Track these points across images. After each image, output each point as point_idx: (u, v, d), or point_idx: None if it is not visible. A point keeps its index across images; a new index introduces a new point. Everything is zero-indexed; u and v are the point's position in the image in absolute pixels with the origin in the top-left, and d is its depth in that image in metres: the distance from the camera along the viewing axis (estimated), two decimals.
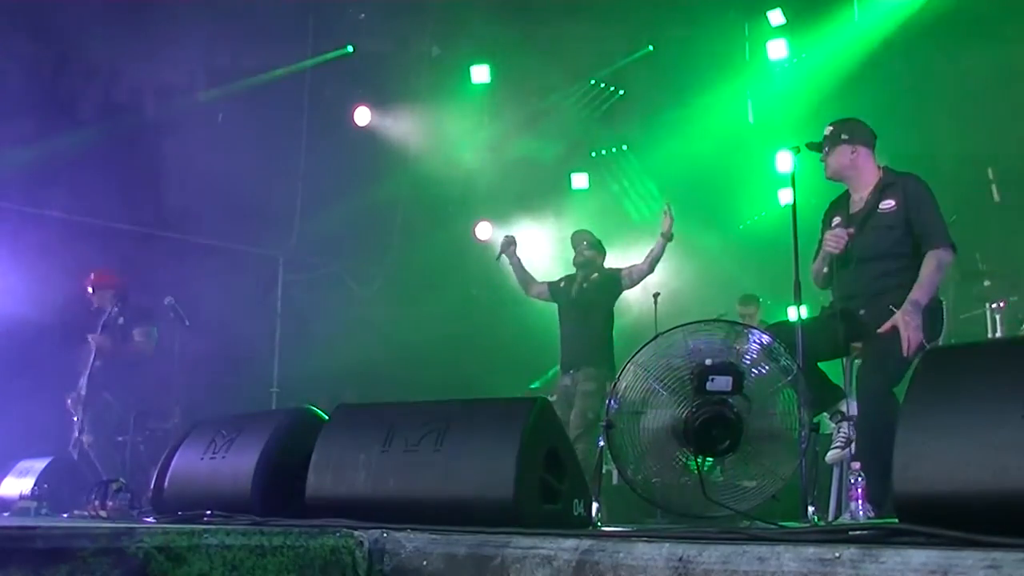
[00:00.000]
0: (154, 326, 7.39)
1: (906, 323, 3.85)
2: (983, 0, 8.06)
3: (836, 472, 4.26)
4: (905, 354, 3.81)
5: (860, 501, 3.50)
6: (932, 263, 4.02)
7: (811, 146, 4.37)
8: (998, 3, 7.94)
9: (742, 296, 8.23)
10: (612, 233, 10.98)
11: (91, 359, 7.09)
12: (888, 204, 4.17)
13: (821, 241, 4.37)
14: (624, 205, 11.07)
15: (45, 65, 7.33)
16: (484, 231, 11.26)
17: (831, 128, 4.38)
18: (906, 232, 4.12)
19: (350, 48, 10.05)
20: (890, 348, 3.85)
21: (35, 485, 5.74)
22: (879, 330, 3.93)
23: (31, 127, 7.54)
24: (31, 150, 7.68)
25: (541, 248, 11.24)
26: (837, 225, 4.33)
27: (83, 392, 7.03)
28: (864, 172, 4.31)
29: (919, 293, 3.95)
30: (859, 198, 4.32)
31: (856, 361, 4.24)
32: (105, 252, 7.93)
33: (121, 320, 7.31)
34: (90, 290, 7.48)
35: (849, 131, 4.34)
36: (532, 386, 9.96)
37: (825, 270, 4.34)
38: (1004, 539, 1.71)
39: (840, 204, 4.42)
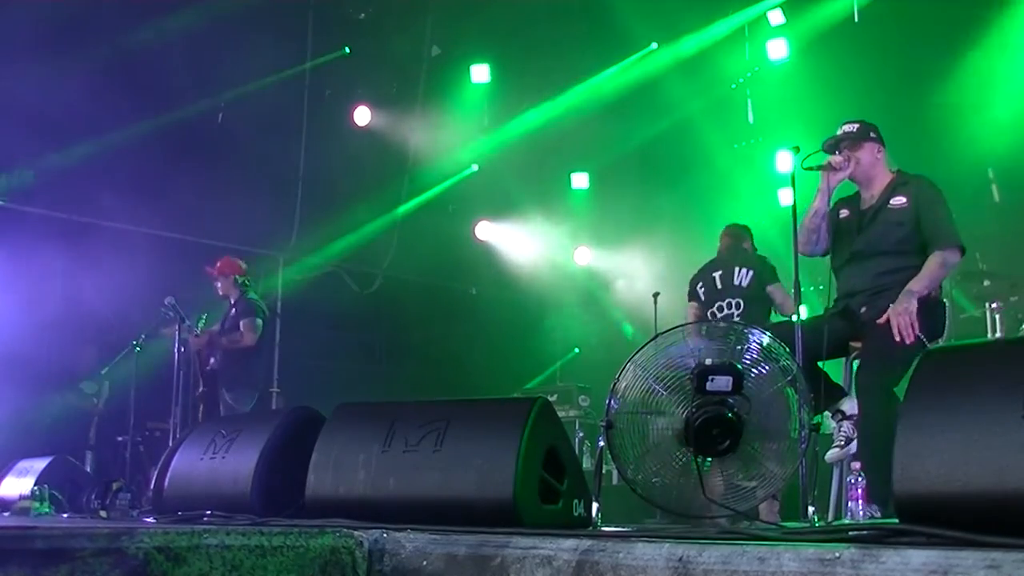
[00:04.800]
0: (259, 318, 7.32)
1: (896, 309, 3.86)
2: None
3: (836, 472, 4.26)
4: (900, 340, 3.80)
5: (860, 501, 3.50)
6: (936, 260, 4.03)
7: (828, 145, 4.26)
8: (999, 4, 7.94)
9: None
10: (611, 234, 11.03)
11: (204, 355, 7.03)
12: (899, 201, 4.19)
13: (818, 191, 4.25)
14: (624, 205, 11.06)
15: (45, 68, 7.32)
16: (484, 231, 11.26)
17: (858, 125, 4.31)
18: (914, 230, 4.13)
19: (347, 50, 10.04)
20: (889, 346, 3.84)
21: (35, 485, 5.73)
22: (878, 320, 3.93)
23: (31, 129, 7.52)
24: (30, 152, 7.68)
25: (540, 247, 11.26)
26: (845, 219, 4.33)
27: (201, 389, 6.97)
28: (883, 172, 4.31)
29: (916, 284, 3.95)
30: (870, 196, 4.31)
31: (856, 361, 4.23)
32: (105, 252, 7.92)
33: (233, 312, 7.27)
34: (215, 277, 7.37)
35: (875, 130, 4.32)
36: (527, 387, 9.95)
37: (819, 248, 4.29)
38: (1004, 539, 1.71)
39: (850, 200, 4.40)
